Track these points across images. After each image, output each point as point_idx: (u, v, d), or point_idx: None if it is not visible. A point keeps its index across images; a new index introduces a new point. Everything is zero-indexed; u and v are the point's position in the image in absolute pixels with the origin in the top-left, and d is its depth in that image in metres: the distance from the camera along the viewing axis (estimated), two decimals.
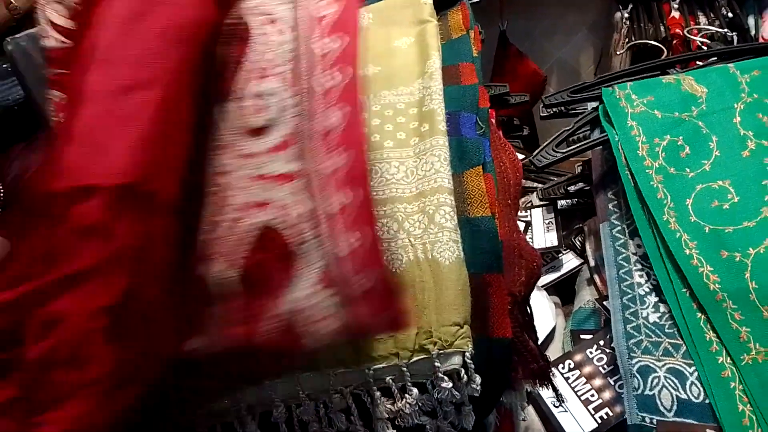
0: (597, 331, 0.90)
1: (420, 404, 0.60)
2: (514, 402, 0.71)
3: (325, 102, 0.59)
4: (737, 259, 0.75)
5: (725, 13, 1.39)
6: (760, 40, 1.29)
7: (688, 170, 0.84)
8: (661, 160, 0.85)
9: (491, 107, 0.97)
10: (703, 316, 0.75)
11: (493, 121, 1.00)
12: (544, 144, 0.95)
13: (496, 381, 0.65)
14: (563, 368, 0.87)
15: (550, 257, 1.11)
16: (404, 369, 0.59)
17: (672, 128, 0.88)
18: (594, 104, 0.98)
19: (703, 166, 0.84)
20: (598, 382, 0.84)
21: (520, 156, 0.98)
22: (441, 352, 0.59)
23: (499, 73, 1.81)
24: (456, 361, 0.59)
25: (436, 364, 0.59)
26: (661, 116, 0.89)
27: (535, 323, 0.91)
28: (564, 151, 0.93)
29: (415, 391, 0.59)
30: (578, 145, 0.94)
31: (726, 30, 1.30)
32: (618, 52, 1.20)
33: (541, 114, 1.02)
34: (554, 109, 1.02)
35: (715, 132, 0.86)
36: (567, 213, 1.16)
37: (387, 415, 0.59)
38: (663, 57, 1.02)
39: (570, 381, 0.85)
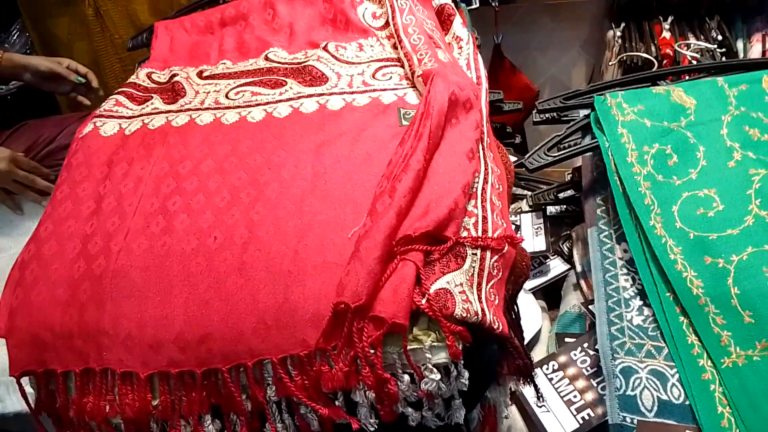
0: (582, 335, 0.91)
1: (407, 395, 0.60)
2: (498, 398, 0.71)
3: None
4: (720, 265, 0.76)
5: (715, 35, 1.43)
6: None
7: (675, 178, 0.86)
8: (649, 167, 0.87)
9: None
10: (685, 320, 0.76)
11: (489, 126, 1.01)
12: (536, 147, 0.96)
13: (484, 375, 0.65)
14: (547, 369, 0.88)
15: (537, 262, 1.12)
16: (395, 356, 0.59)
17: (661, 137, 0.90)
18: (586, 111, 1.00)
19: (690, 175, 0.86)
20: (581, 383, 0.84)
21: (513, 159, 0.99)
22: (434, 344, 0.59)
23: (493, 86, 1.83)
24: (446, 355, 0.58)
25: (427, 355, 0.58)
26: (650, 125, 0.91)
27: (522, 324, 0.91)
28: (555, 155, 0.95)
29: (406, 378, 0.59)
30: (569, 149, 0.95)
31: (715, 46, 1.33)
32: (610, 63, 1.23)
33: (534, 119, 1.04)
34: (547, 115, 1.04)
35: (702, 142, 0.88)
36: (555, 220, 1.18)
37: (369, 402, 0.59)
38: (654, 69, 1.04)
39: (553, 382, 0.86)
